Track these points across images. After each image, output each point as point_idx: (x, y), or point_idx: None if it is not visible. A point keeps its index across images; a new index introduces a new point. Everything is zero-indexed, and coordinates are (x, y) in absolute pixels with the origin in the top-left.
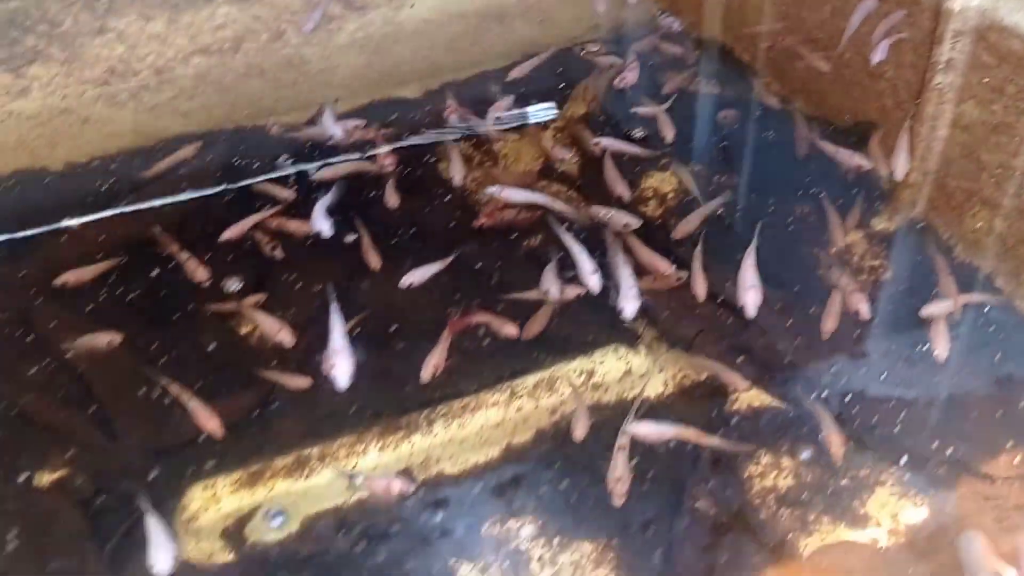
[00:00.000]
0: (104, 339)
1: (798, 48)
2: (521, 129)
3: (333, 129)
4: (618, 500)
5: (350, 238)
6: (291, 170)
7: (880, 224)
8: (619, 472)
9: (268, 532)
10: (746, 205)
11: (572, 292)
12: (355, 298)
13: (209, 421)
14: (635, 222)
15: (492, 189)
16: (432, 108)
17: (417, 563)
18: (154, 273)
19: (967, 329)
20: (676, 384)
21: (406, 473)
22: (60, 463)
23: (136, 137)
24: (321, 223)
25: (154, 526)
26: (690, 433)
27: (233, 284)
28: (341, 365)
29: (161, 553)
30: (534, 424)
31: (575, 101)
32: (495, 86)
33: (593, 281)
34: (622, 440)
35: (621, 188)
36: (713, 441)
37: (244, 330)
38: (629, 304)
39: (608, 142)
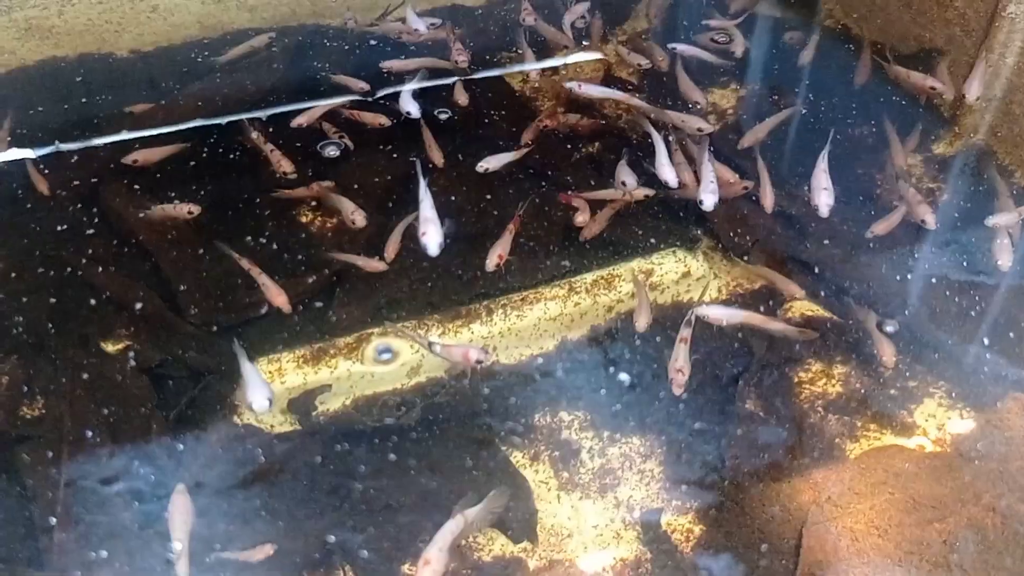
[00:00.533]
0: (184, 209)
1: None
2: (581, 41)
3: (417, 24)
4: (677, 389)
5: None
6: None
7: (940, 148)
8: (680, 363)
9: (376, 365)
10: (810, 122)
11: (642, 192)
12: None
13: (278, 297)
14: (708, 126)
15: (571, 84)
16: (498, 13)
17: (468, 448)
18: (223, 157)
19: None
20: (730, 290)
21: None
22: (127, 333)
23: (202, 29)
24: (409, 105)
25: (249, 370)
26: (756, 318)
27: (331, 151)
28: (432, 233)
29: (258, 392)
30: (590, 320)
31: (638, 14)
32: None
33: (670, 175)
34: (684, 332)
35: (697, 95)
36: (777, 326)
37: (308, 216)
38: (709, 196)
39: (683, 48)
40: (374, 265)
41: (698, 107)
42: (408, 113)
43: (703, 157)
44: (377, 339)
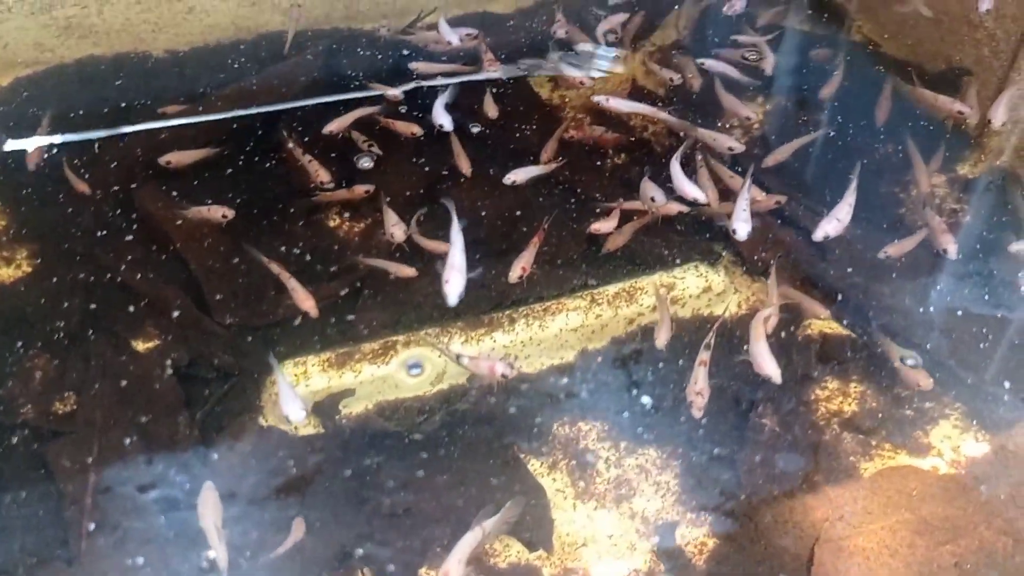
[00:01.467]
0: (218, 212)
1: None
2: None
3: (450, 36)
4: (697, 412)
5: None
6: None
7: (964, 170)
8: (700, 385)
9: (407, 379)
10: (836, 143)
11: (675, 207)
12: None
13: (306, 301)
14: (739, 145)
15: (598, 97)
16: (530, 24)
17: (486, 456)
18: (255, 163)
19: None
20: (751, 305)
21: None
22: (157, 333)
23: (236, 31)
24: (442, 117)
25: (283, 383)
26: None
27: (365, 162)
28: (455, 282)
29: (293, 405)
30: (611, 332)
31: (667, 27)
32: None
33: (698, 192)
34: (704, 355)
35: (743, 109)
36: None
37: (337, 221)
38: (742, 225)
39: (711, 63)
40: (405, 271)
41: (748, 121)
42: (441, 126)
43: (746, 183)
44: (407, 352)
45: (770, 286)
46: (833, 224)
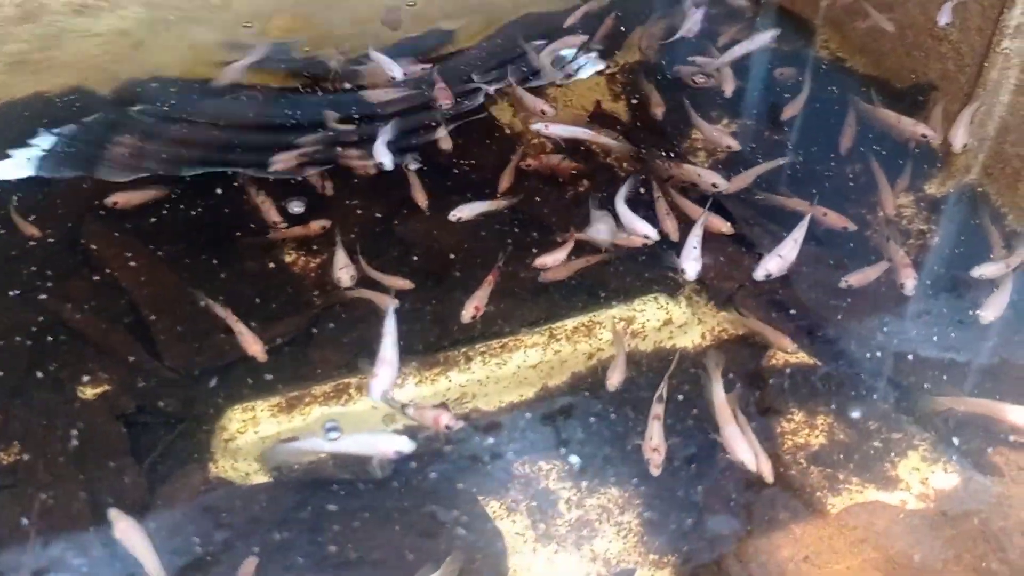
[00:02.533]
0: (316, 225)
1: (863, 6)
2: (572, 76)
3: (393, 69)
4: (654, 470)
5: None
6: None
7: (932, 188)
8: (656, 441)
9: (323, 443)
10: (799, 165)
11: (630, 241)
12: (401, 235)
13: (253, 345)
14: (724, 183)
15: (537, 125)
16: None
17: (445, 498)
18: (205, 202)
19: (1017, 295)
20: (715, 335)
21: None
22: (103, 378)
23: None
24: (383, 156)
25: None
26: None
27: (296, 207)
28: (383, 376)
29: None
30: (571, 367)
31: (630, 46)
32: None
33: (651, 232)
34: (657, 409)
35: (727, 139)
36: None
37: (290, 257)
38: (691, 265)
39: None
40: (400, 283)
41: (731, 150)
42: (381, 164)
43: (700, 220)
44: (327, 410)
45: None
46: (775, 261)
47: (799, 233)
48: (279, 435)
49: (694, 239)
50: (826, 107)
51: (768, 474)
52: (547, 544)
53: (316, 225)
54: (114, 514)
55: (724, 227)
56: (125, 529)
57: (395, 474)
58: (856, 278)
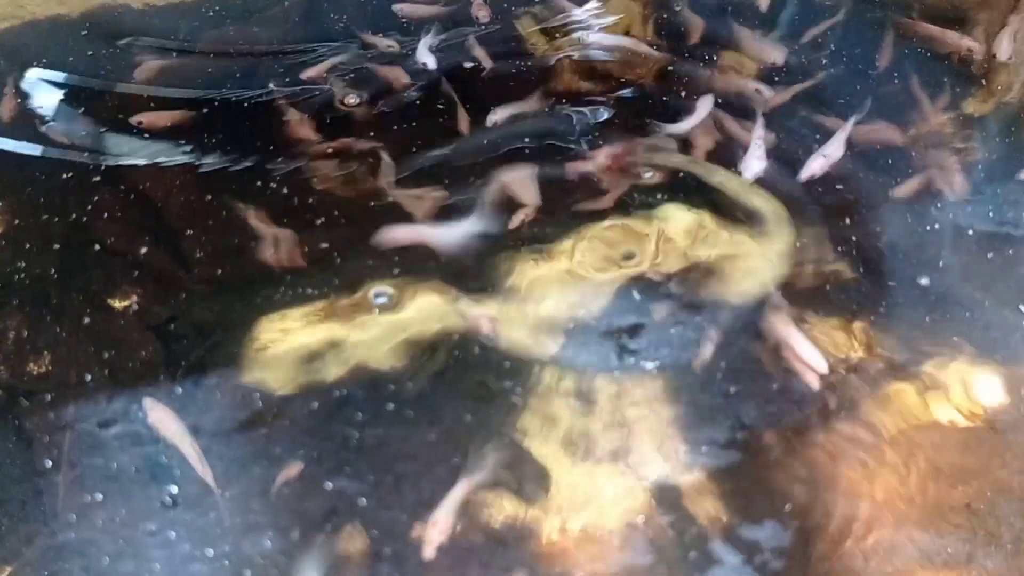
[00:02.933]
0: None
1: None
2: None
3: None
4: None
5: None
6: None
7: (971, 107)
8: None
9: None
10: (837, 82)
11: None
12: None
13: (291, 250)
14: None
15: (579, 33)
16: None
17: (481, 411)
18: (234, 115)
19: None
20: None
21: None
22: (133, 290)
23: None
24: (426, 57)
25: None
26: None
27: (352, 98)
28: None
29: None
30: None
31: None
32: None
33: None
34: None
35: (774, 53)
36: None
37: (321, 174)
38: (756, 164)
39: None
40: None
41: (775, 65)
42: (424, 64)
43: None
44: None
45: None
46: (819, 161)
47: (843, 134)
48: (310, 347)
49: (758, 139)
50: (864, 27)
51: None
52: (586, 456)
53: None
54: (149, 403)
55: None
56: (161, 417)
57: (434, 379)
58: (901, 190)
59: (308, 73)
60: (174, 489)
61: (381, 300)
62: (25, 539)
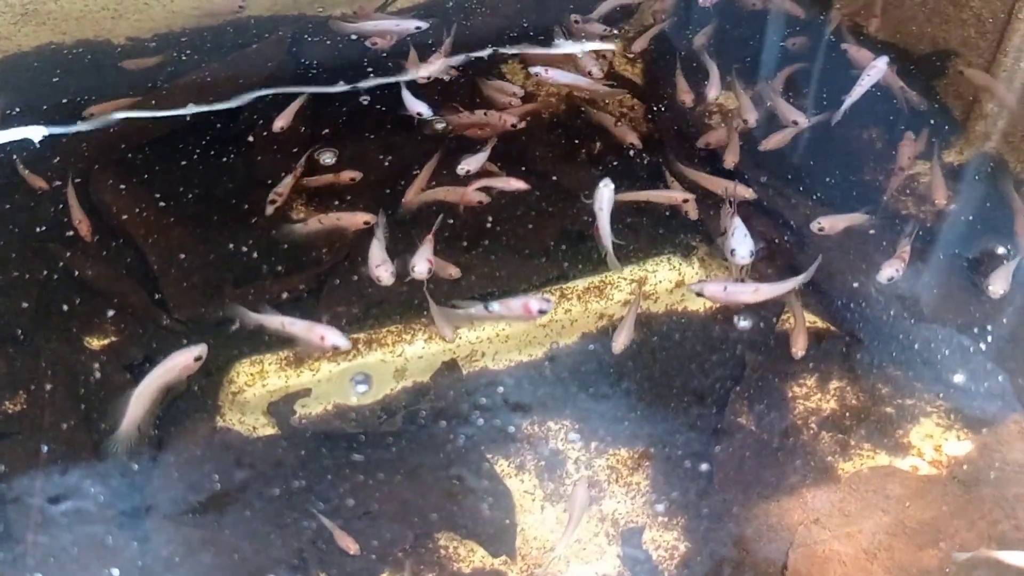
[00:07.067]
0: (346, 176)
1: None
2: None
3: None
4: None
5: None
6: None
7: (950, 157)
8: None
9: (353, 396)
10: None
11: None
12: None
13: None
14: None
15: (536, 69)
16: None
17: (453, 455)
18: (214, 154)
19: None
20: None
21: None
22: (111, 329)
23: (201, 16)
24: (418, 105)
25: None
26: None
27: (327, 157)
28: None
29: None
30: (581, 327)
31: (643, 12)
32: None
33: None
34: None
35: (796, 114)
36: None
37: (302, 212)
38: (744, 245)
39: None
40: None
41: (797, 126)
42: (419, 114)
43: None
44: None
45: None
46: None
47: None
48: (287, 389)
49: (736, 220)
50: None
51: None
52: (555, 503)
53: (346, 175)
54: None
55: (747, 193)
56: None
57: (402, 429)
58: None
59: (279, 123)
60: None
61: (362, 388)
62: None
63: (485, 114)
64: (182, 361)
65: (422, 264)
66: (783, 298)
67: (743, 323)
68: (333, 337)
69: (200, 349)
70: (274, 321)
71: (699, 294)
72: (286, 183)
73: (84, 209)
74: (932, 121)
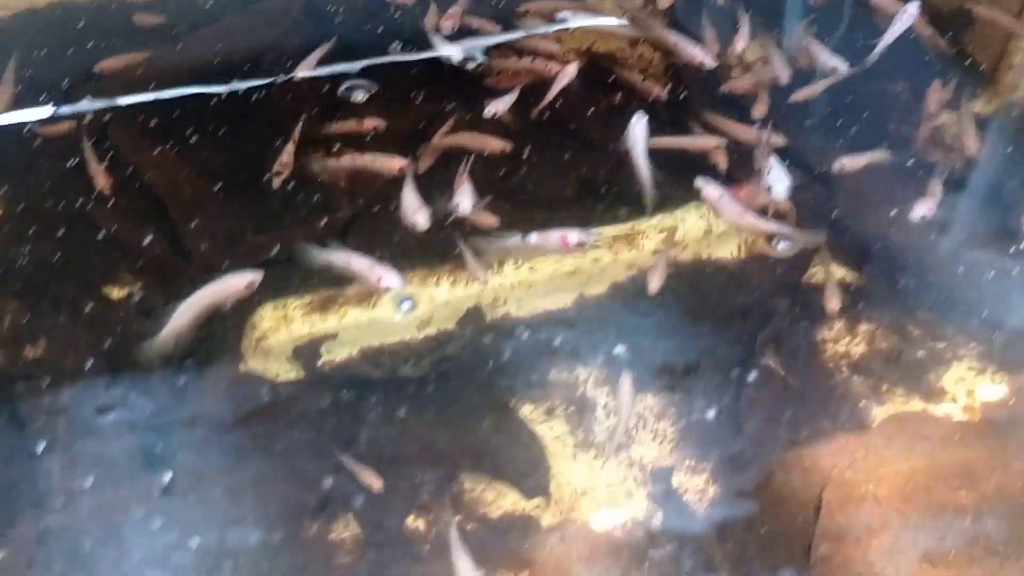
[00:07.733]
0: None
1: None
2: None
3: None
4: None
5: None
6: None
7: (978, 107)
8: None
9: (397, 316)
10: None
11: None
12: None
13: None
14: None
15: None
16: None
17: (479, 401)
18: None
19: None
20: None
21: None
22: (131, 278)
23: None
24: (449, 48)
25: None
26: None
27: (359, 96)
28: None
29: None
30: (610, 277)
31: None
32: None
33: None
34: None
35: (836, 61)
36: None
37: (316, 165)
38: (781, 183)
39: None
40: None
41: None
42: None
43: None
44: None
45: None
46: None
47: None
48: (310, 335)
49: (772, 159)
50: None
51: None
52: (585, 449)
53: (370, 123)
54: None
55: (779, 140)
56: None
57: (428, 374)
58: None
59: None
60: (166, 477)
61: (406, 306)
62: (10, 521)
63: (532, 60)
64: (235, 283)
65: (467, 200)
66: (813, 253)
67: (773, 270)
68: (389, 279)
69: (255, 275)
70: (340, 257)
71: (699, 189)
72: (288, 151)
73: (103, 162)
74: (960, 70)
